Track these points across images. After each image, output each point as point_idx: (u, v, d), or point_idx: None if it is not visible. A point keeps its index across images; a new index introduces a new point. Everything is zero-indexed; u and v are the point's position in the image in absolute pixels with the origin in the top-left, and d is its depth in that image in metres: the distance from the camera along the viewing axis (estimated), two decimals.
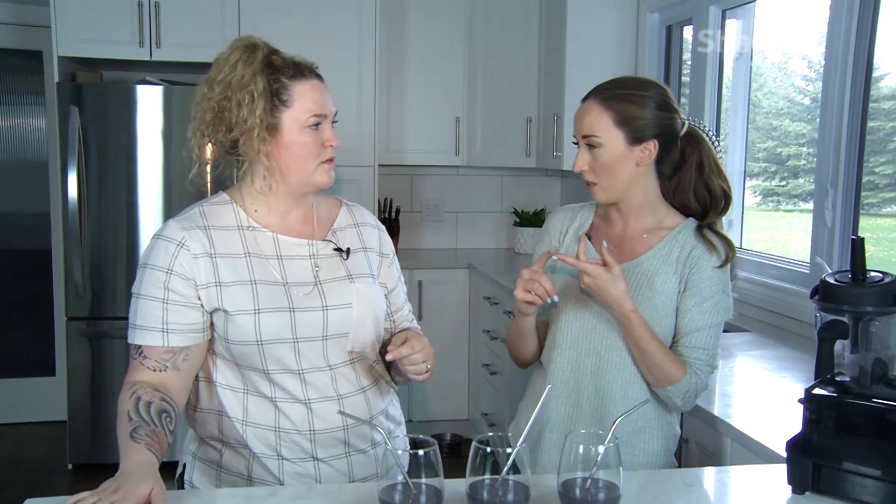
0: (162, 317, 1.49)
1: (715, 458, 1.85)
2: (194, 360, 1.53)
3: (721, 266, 1.67)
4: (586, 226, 1.79)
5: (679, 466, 1.89)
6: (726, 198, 1.73)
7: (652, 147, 1.67)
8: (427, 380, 1.57)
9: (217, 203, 1.60)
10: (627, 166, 1.67)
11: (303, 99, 1.52)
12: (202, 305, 1.51)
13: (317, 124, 1.54)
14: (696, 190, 1.73)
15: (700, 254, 1.66)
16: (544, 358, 1.78)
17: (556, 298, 1.61)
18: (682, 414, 1.77)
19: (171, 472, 1.47)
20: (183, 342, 1.50)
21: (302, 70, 1.54)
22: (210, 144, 1.56)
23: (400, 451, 1.19)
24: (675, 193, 1.75)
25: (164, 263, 1.51)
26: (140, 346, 1.50)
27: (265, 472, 1.56)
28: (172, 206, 3.80)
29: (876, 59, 2.50)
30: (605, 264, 1.59)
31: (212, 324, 1.54)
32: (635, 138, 1.65)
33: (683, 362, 1.63)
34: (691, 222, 1.72)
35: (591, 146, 1.67)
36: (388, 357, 1.49)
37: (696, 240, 1.68)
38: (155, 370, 1.49)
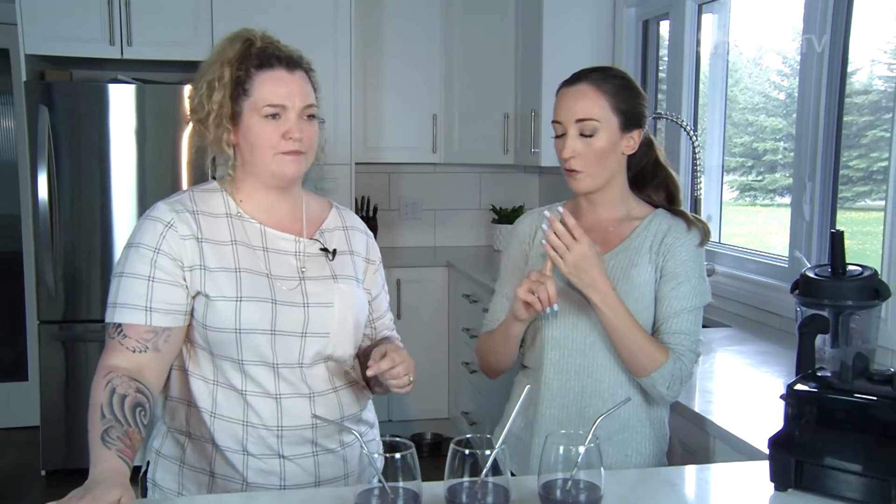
0: (147, 294, 1.47)
1: (697, 455, 1.84)
2: (174, 344, 1.51)
3: (700, 244, 1.66)
4: None
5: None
6: (675, 188, 1.75)
7: (636, 136, 1.66)
8: (410, 391, 1.54)
9: (207, 190, 1.60)
10: (615, 154, 1.65)
11: (262, 88, 1.52)
12: (187, 287, 1.50)
13: (274, 115, 1.52)
14: (655, 184, 1.74)
15: (672, 241, 1.65)
16: (528, 361, 1.75)
17: (556, 308, 1.56)
18: (668, 414, 1.75)
19: (135, 472, 1.43)
20: (166, 322, 1.48)
21: (270, 60, 1.54)
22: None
23: (376, 455, 1.16)
24: (635, 186, 1.74)
25: (151, 242, 1.50)
26: (120, 325, 1.47)
27: (229, 467, 1.53)
28: (147, 207, 3.68)
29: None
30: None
31: (191, 310, 1.52)
32: (626, 125, 1.64)
33: (666, 347, 1.60)
34: (661, 211, 1.71)
35: (584, 133, 1.62)
36: (369, 373, 1.48)
37: (668, 226, 1.67)
38: (134, 350, 1.46)
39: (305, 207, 1.64)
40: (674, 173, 1.75)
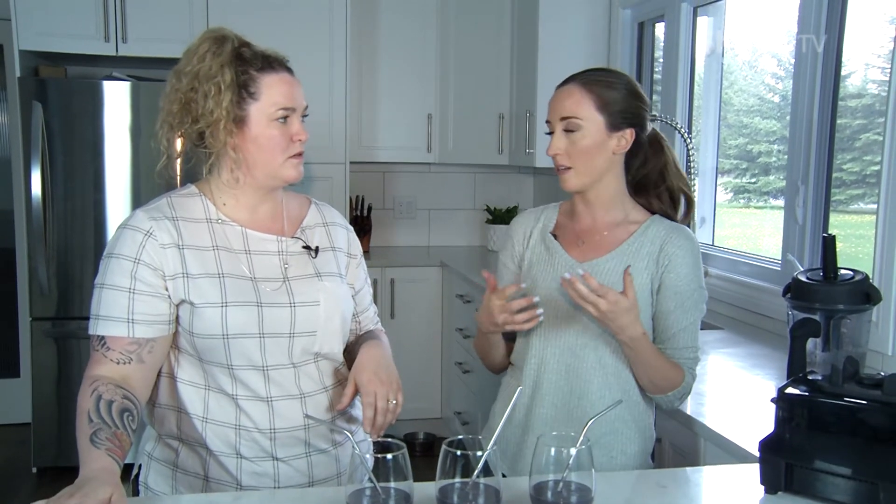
0: (128, 306, 1.46)
1: (689, 457, 1.84)
2: (159, 354, 1.50)
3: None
4: (551, 225, 1.76)
5: (653, 466, 1.88)
6: (688, 200, 1.75)
7: (629, 136, 1.66)
8: (398, 410, 1.54)
9: (185, 195, 1.58)
10: (604, 153, 1.65)
11: (270, 91, 1.51)
12: (169, 296, 1.49)
13: (285, 117, 1.52)
14: (658, 191, 1.74)
15: (674, 250, 1.65)
16: (516, 359, 1.76)
17: (540, 315, 1.58)
18: (656, 415, 1.75)
19: (126, 473, 1.43)
20: (149, 333, 1.47)
21: (271, 62, 1.53)
22: (179, 137, 1.54)
23: (367, 455, 1.16)
24: (638, 192, 1.74)
25: (131, 253, 1.48)
26: (103, 338, 1.46)
27: (223, 471, 1.52)
28: (140, 204, 3.68)
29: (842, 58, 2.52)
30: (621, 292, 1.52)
31: (177, 317, 1.51)
32: (614, 124, 1.64)
33: (678, 365, 1.63)
34: (657, 217, 1.71)
35: (569, 130, 1.64)
36: (372, 438, 1.46)
37: (666, 233, 1.67)
38: (118, 363, 1.45)
39: (285, 206, 1.64)
40: (679, 183, 1.73)
